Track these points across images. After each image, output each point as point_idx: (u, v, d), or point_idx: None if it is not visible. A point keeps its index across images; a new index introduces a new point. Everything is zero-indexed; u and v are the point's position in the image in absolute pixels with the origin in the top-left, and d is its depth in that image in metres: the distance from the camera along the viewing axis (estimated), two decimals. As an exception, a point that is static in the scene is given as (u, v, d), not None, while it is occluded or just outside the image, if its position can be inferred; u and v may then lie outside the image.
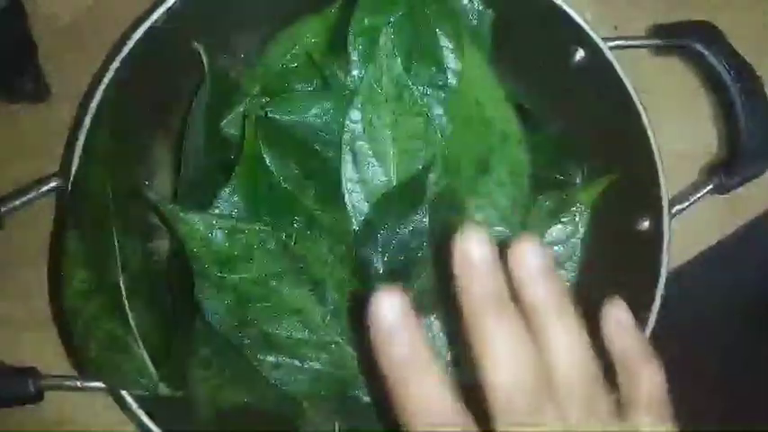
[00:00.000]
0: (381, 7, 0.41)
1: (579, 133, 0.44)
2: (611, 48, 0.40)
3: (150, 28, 0.39)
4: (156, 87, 0.43)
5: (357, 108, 0.40)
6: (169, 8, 0.39)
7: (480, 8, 0.42)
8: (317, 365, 0.38)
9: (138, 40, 0.39)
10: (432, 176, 0.40)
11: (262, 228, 0.36)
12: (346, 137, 0.40)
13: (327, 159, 0.41)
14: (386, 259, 0.39)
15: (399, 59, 0.40)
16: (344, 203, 0.40)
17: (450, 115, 0.40)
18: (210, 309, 0.36)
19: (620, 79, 0.40)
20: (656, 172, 0.38)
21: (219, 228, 0.35)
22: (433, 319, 0.41)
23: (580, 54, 0.42)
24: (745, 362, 0.51)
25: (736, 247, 0.48)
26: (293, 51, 0.43)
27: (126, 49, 0.39)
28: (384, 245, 0.39)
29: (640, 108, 0.39)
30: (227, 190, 0.37)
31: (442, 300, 0.40)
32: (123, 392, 0.35)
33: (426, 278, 0.40)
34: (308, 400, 0.38)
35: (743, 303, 0.50)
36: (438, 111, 0.41)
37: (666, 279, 0.45)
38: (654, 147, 0.38)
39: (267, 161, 0.39)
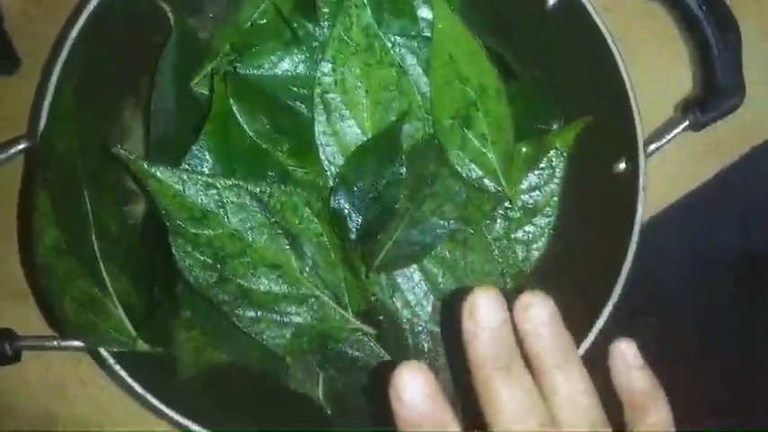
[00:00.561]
0: (349, -42, 0.40)
1: (556, 80, 0.43)
2: (582, -11, 0.40)
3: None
4: (125, 50, 0.42)
5: (328, 60, 0.39)
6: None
7: (450, -44, 0.42)
8: (297, 319, 0.38)
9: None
10: (408, 127, 0.40)
11: (234, 182, 0.36)
12: (318, 90, 0.39)
13: (300, 114, 0.40)
14: (362, 212, 0.39)
15: (369, 10, 0.39)
16: (319, 157, 0.40)
17: (426, 71, 0.39)
18: (187, 266, 0.36)
19: (595, 23, 0.39)
20: (632, 112, 0.38)
21: (191, 183, 0.35)
22: (413, 269, 0.41)
23: (553, -1, 0.41)
24: (725, 318, 0.51)
25: (715, 193, 0.48)
26: (262, 8, 0.43)
27: (89, 8, 0.38)
28: (360, 198, 0.39)
29: (615, 51, 0.39)
30: (197, 147, 0.37)
31: (421, 251, 0.41)
32: (102, 351, 0.35)
33: (404, 229, 0.40)
34: (290, 354, 0.38)
35: (721, 251, 0.50)
36: (412, 61, 0.41)
37: (644, 226, 0.45)
38: (629, 87, 0.38)
39: (238, 117, 0.38)
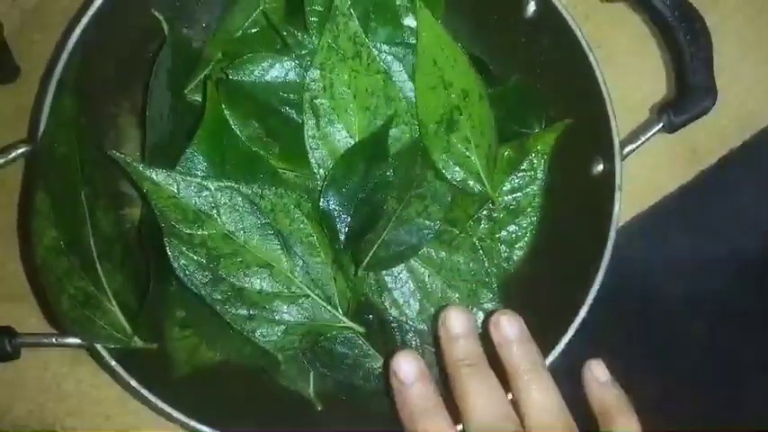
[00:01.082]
0: (337, -32, 0.42)
1: (536, 84, 0.45)
2: (560, -2, 0.41)
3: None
4: (121, 57, 0.44)
5: (316, 67, 0.41)
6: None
7: (434, -33, 0.43)
8: (288, 317, 0.39)
9: (98, 9, 0.40)
10: (395, 131, 0.42)
11: (227, 184, 0.37)
12: (307, 96, 0.41)
13: (290, 118, 0.42)
14: (351, 213, 0.40)
15: (356, 18, 0.41)
16: (308, 160, 0.41)
17: (412, 78, 0.41)
18: (181, 266, 0.37)
19: (571, 29, 0.41)
20: (608, 116, 0.39)
21: (185, 185, 0.36)
22: (401, 269, 0.42)
23: (532, 6, 0.43)
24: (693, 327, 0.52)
25: (693, 196, 0.50)
26: (253, 17, 0.44)
27: (85, 19, 0.39)
28: (348, 199, 0.40)
29: (591, 57, 0.40)
30: (190, 150, 0.38)
31: (409, 251, 0.42)
32: (99, 348, 0.36)
33: (392, 229, 0.41)
34: (281, 352, 0.39)
35: (698, 252, 0.52)
36: (397, 67, 0.42)
37: (624, 228, 0.47)
38: (604, 92, 0.40)
39: (230, 122, 0.40)
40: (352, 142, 0.41)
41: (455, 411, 0.31)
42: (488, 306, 0.42)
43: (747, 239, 0.53)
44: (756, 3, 0.54)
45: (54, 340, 0.36)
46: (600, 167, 0.41)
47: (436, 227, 0.42)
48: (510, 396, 0.31)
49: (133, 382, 0.36)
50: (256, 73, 0.41)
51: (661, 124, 0.40)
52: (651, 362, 0.51)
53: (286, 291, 0.39)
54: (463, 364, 0.31)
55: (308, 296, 0.39)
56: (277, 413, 0.42)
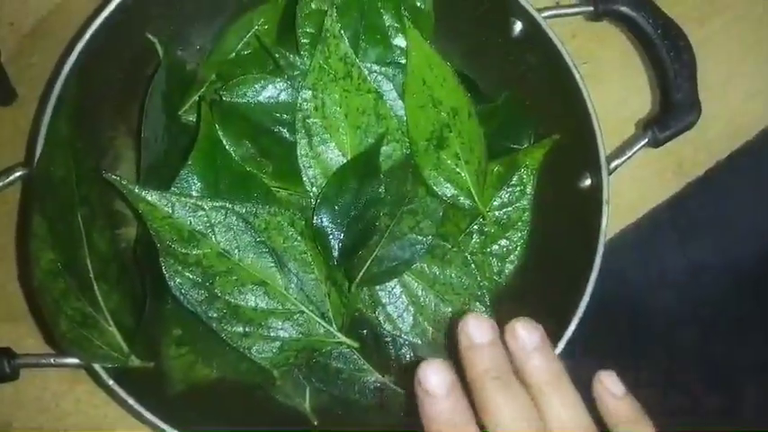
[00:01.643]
0: (327, -9, 0.43)
1: (525, 101, 0.46)
2: (546, 17, 0.42)
3: (106, 23, 0.41)
4: (117, 81, 0.45)
5: (308, 88, 0.42)
6: (119, 3, 0.40)
7: (422, -12, 0.44)
8: (283, 334, 0.39)
9: (94, 33, 0.41)
10: (386, 149, 0.42)
11: (221, 204, 0.37)
12: (299, 116, 0.42)
13: (283, 138, 0.43)
14: (344, 230, 0.41)
15: (346, 40, 0.42)
16: (301, 179, 0.42)
17: (402, 96, 0.42)
18: (177, 284, 0.37)
19: (557, 47, 0.42)
20: (594, 131, 0.40)
21: (180, 205, 0.37)
22: (394, 284, 0.43)
23: (519, 26, 0.44)
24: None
25: (680, 207, 0.51)
26: (246, 39, 0.45)
27: (81, 44, 0.40)
28: (341, 216, 0.41)
29: (577, 75, 0.41)
30: (185, 171, 0.39)
31: (401, 266, 0.42)
32: (96, 367, 0.36)
33: (384, 245, 0.42)
34: (277, 368, 0.40)
35: (685, 262, 0.52)
36: (388, 86, 0.43)
37: (613, 240, 0.47)
38: (590, 108, 0.41)
39: (224, 142, 0.41)
40: (345, 160, 0.42)
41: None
42: (481, 320, 0.43)
43: (739, 247, 0.54)
44: (742, 20, 0.55)
45: (52, 360, 0.37)
46: (588, 182, 0.42)
47: (428, 242, 0.42)
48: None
49: (130, 401, 0.37)
50: (249, 94, 0.42)
51: (646, 139, 0.40)
52: (646, 369, 0.52)
53: (281, 307, 0.39)
54: (490, 376, 0.28)
55: (302, 312, 0.40)
56: (273, 429, 0.42)
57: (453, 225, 0.44)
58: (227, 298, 0.38)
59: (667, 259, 0.53)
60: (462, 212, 0.44)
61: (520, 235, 0.43)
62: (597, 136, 0.40)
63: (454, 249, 0.44)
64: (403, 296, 0.43)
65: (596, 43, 0.51)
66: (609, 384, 0.31)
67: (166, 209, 0.36)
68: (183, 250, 0.37)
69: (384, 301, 0.43)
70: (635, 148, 0.40)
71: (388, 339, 0.43)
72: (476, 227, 0.44)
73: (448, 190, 0.42)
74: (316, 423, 0.42)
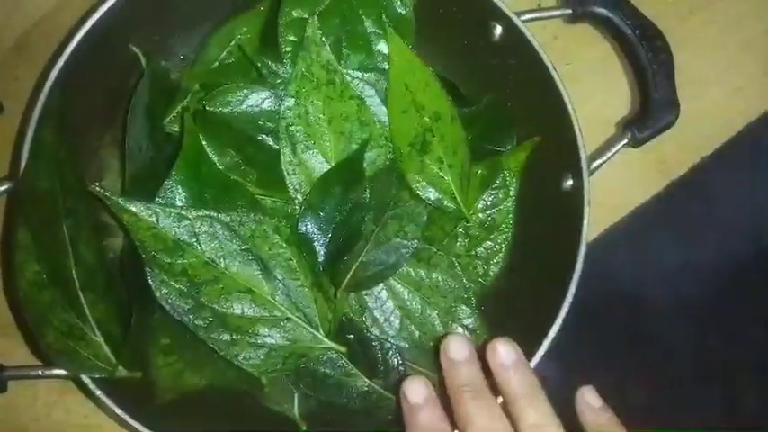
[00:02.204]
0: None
1: (507, 104, 0.46)
2: (525, 21, 0.43)
3: (89, 35, 0.41)
4: (101, 91, 0.45)
5: (291, 96, 0.42)
6: (102, 15, 0.41)
7: (403, -7, 0.45)
8: (270, 340, 0.39)
9: (77, 45, 0.41)
10: (370, 154, 0.43)
11: (206, 213, 0.38)
12: (283, 123, 0.42)
13: (267, 146, 0.43)
14: (329, 236, 0.41)
15: (328, 47, 0.42)
16: (286, 186, 0.42)
17: (385, 102, 0.42)
18: (163, 294, 0.38)
19: (536, 50, 0.42)
20: (574, 133, 0.41)
21: (164, 215, 0.37)
22: (380, 288, 0.43)
23: (499, 30, 0.44)
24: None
25: (662, 206, 0.51)
26: (229, 48, 0.46)
27: (65, 55, 0.40)
28: (326, 222, 0.41)
29: (555, 76, 0.42)
30: (169, 181, 0.39)
31: (387, 270, 0.43)
32: (84, 377, 0.37)
33: (370, 250, 0.42)
34: (265, 375, 0.40)
35: (667, 261, 0.53)
36: (370, 92, 0.43)
37: (596, 240, 0.48)
38: (570, 110, 0.41)
39: (208, 151, 0.41)
40: (328, 167, 0.42)
41: None
42: (467, 321, 0.43)
43: (730, 242, 0.54)
44: (720, 18, 0.55)
45: (40, 372, 0.37)
46: (570, 183, 0.42)
47: (414, 246, 0.43)
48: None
49: (118, 411, 0.37)
50: (232, 103, 0.42)
51: (626, 140, 0.41)
52: (642, 367, 0.53)
53: (267, 314, 0.39)
54: (465, 389, 0.33)
55: (289, 319, 0.40)
56: (263, 434, 0.42)
57: (438, 228, 0.45)
58: (213, 306, 0.38)
59: (659, 256, 0.53)
60: (447, 216, 0.44)
61: (504, 237, 0.44)
62: (577, 137, 0.40)
63: (439, 253, 0.44)
64: (389, 300, 0.43)
65: (578, 44, 0.52)
66: (589, 398, 0.35)
67: (151, 219, 0.37)
68: (168, 260, 0.37)
69: (371, 305, 0.43)
70: (615, 149, 0.41)
71: (376, 343, 0.43)
72: (461, 230, 0.44)
73: (432, 194, 0.43)
74: (304, 428, 0.42)
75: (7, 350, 0.44)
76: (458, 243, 0.44)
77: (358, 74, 0.43)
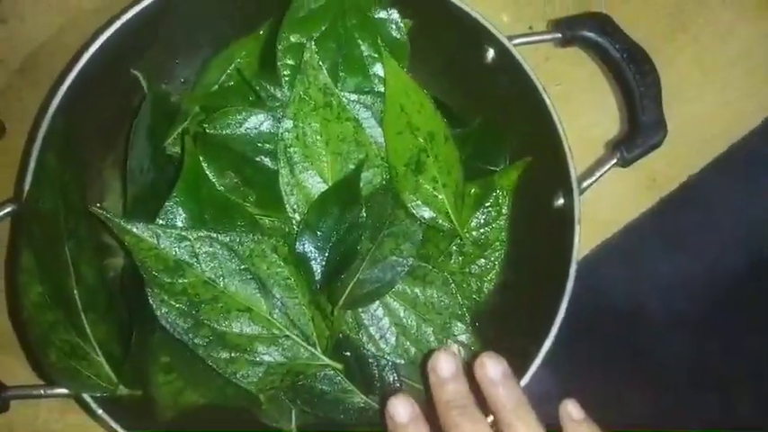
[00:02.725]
0: (305, 25, 0.44)
1: (499, 124, 0.48)
2: (517, 45, 0.44)
3: (92, 59, 0.42)
4: (104, 114, 0.46)
5: (289, 118, 0.43)
6: (105, 40, 0.42)
7: (398, 18, 0.46)
8: (268, 358, 0.40)
9: (81, 69, 0.42)
10: (366, 174, 0.44)
11: (206, 234, 0.38)
12: (281, 145, 0.43)
13: (265, 167, 0.44)
14: (326, 254, 0.42)
15: (325, 70, 0.43)
16: (284, 206, 0.43)
17: (381, 123, 0.43)
18: (163, 313, 0.38)
19: (527, 73, 0.43)
20: (564, 153, 0.42)
21: (165, 236, 0.38)
22: (377, 305, 0.44)
23: (491, 53, 0.45)
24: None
25: (653, 222, 0.52)
26: (228, 72, 0.47)
27: (68, 80, 0.41)
28: (323, 241, 0.42)
29: (546, 98, 0.43)
30: (170, 202, 0.40)
31: (383, 288, 0.44)
32: (85, 396, 0.37)
33: (366, 268, 0.43)
34: (263, 392, 0.41)
35: (655, 274, 0.54)
36: (366, 114, 0.44)
37: (588, 255, 0.49)
38: (560, 131, 0.42)
39: (208, 173, 0.42)
40: (326, 187, 0.43)
41: None
42: (462, 338, 0.44)
43: (723, 254, 0.55)
44: (707, 37, 0.57)
45: (42, 392, 0.38)
46: (561, 201, 0.43)
47: (409, 264, 0.43)
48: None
49: (120, 429, 0.37)
50: (232, 126, 0.43)
51: (615, 160, 0.42)
52: (639, 378, 0.53)
53: (266, 332, 0.40)
54: (452, 405, 0.34)
55: (287, 337, 0.40)
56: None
57: (433, 246, 0.46)
58: (212, 325, 0.39)
59: (653, 269, 0.54)
60: (441, 234, 0.45)
61: (497, 254, 0.45)
62: (568, 158, 0.42)
63: (435, 270, 0.45)
64: (385, 317, 0.44)
65: (569, 65, 0.53)
66: (570, 410, 0.35)
67: (152, 240, 0.37)
68: (168, 280, 0.38)
69: (367, 322, 0.44)
70: (604, 169, 0.42)
71: (372, 360, 0.44)
72: (455, 247, 0.45)
73: (427, 213, 0.44)
74: (303, 444, 0.43)
75: (8, 367, 0.44)
76: (452, 261, 0.45)
77: (354, 96, 0.44)
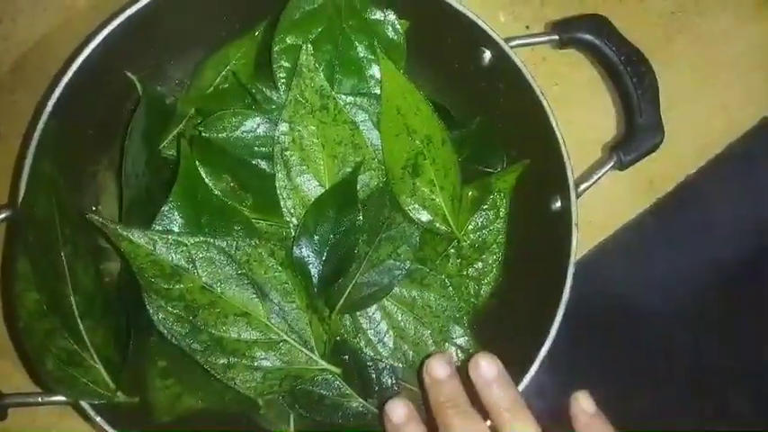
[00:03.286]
0: (301, 26, 0.44)
1: (497, 127, 0.47)
2: (514, 47, 0.44)
3: (85, 63, 0.42)
4: (97, 118, 0.46)
5: (285, 121, 0.43)
6: (99, 43, 0.41)
7: (394, 19, 0.45)
8: (266, 363, 0.40)
9: (73, 75, 0.41)
10: (363, 177, 0.44)
11: (202, 239, 0.38)
12: (277, 148, 0.43)
13: (261, 171, 0.44)
14: (323, 258, 0.42)
15: (321, 73, 0.43)
16: (281, 210, 0.43)
17: (377, 126, 0.43)
18: (160, 319, 0.38)
19: (524, 75, 0.43)
20: (562, 158, 0.42)
21: (162, 242, 0.38)
22: (374, 309, 0.44)
23: (488, 55, 0.45)
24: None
25: (650, 222, 0.52)
26: (223, 74, 0.46)
27: (61, 85, 0.41)
28: (320, 245, 0.42)
29: (543, 100, 0.43)
30: (167, 207, 0.39)
31: (381, 291, 0.43)
32: (83, 403, 0.37)
33: (364, 272, 0.43)
34: (261, 397, 0.41)
35: (653, 276, 0.54)
36: (362, 117, 0.44)
37: (585, 256, 0.49)
38: (558, 134, 0.42)
39: (204, 177, 0.42)
40: (322, 190, 0.43)
41: None
42: (460, 341, 0.44)
43: (721, 253, 0.55)
44: (704, 39, 0.57)
45: (39, 399, 0.37)
46: (558, 204, 0.43)
47: (407, 267, 0.43)
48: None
49: (116, 435, 0.37)
50: (227, 129, 0.43)
51: (612, 163, 0.42)
52: (639, 376, 0.53)
53: (263, 337, 0.40)
54: (447, 405, 0.34)
55: (285, 341, 0.40)
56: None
57: (431, 249, 0.46)
58: (210, 330, 0.39)
59: (651, 268, 0.54)
60: (439, 237, 0.45)
61: (495, 257, 0.45)
62: (565, 161, 0.41)
63: (432, 273, 0.45)
64: (383, 321, 0.44)
65: (566, 66, 0.53)
66: (583, 404, 0.35)
67: (149, 246, 0.37)
68: (165, 286, 0.38)
69: (365, 326, 0.44)
70: (601, 172, 0.42)
71: (370, 364, 0.44)
72: (452, 250, 0.45)
73: (424, 216, 0.43)
74: (301, 448, 0.43)
75: (4, 374, 0.44)
76: (450, 263, 0.45)
77: (350, 98, 0.44)
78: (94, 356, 0.38)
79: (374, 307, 0.44)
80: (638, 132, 0.41)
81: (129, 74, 0.44)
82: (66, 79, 0.41)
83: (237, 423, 0.43)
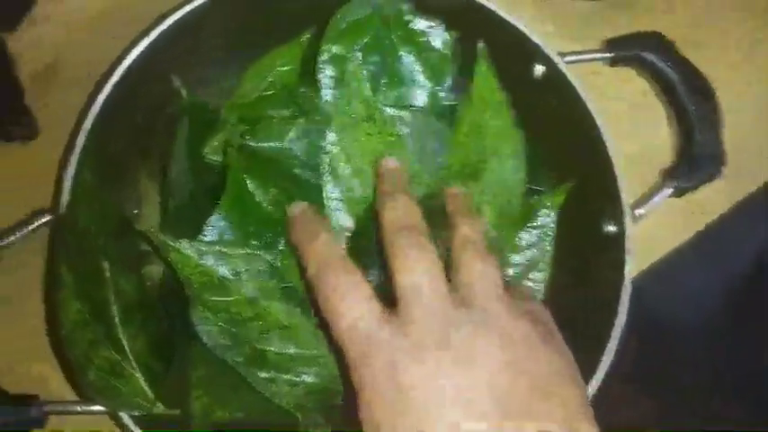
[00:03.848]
0: (347, 36, 0.43)
1: (545, 143, 0.46)
2: (567, 62, 0.43)
3: (128, 69, 0.42)
4: (139, 123, 0.45)
5: (332, 131, 0.42)
6: (144, 50, 0.41)
7: (443, 30, 0.44)
8: (307, 378, 0.39)
9: (117, 81, 0.41)
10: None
11: (250, 252, 0.38)
12: (325, 158, 0.42)
13: (308, 181, 0.43)
14: (371, 272, 0.41)
15: (368, 83, 0.42)
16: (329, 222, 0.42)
17: (417, 141, 0.42)
18: (205, 331, 0.38)
19: (577, 92, 0.42)
20: (615, 179, 0.40)
21: (210, 254, 0.37)
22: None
23: (540, 69, 0.44)
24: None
25: (700, 249, 0.51)
26: (268, 80, 0.46)
27: (105, 92, 0.41)
28: (368, 257, 0.41)
29: (597, 119, 0.41)
30: (214, 218, 0.39)
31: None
32: (122, 414, 0.37)
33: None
34: (301, 411, 0.40)
35: (704, 303, 0.53)
36: (405, 130, 0.43)
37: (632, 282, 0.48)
38: (611, 156, 0.41)
39: (250, 188, 0.41)
40: (371, 201, 0.42)
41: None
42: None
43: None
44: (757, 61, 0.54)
45: (79, 408, 0.37)
46: (611, 228, 0.42)
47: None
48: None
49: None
50: (274, 138, 0.42)
51: (671, 190, 0.41)
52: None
53: (306, 352, 0.39)
54: (400, 225, 0.31)
55: (326, 356, 0.40)
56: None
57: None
58: (253, 343, 0.39)
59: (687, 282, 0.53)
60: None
61: (542, 276, 0.44)
62: (619, 185, 0.40)
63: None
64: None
65: (620, 81, 0.51)
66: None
67: (196, 257, 0.37)
68: (212, 297, 0.37)
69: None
70: (659, 198, 0.41)
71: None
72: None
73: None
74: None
75: (42, 377, 0.44)
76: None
77: (393, 110, 0.43)
78: (134, 365, 0.38)
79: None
80: (698, 159, 0.40)
81: (174, 79, 0.44)
82: (108, 87, 0.41)
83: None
